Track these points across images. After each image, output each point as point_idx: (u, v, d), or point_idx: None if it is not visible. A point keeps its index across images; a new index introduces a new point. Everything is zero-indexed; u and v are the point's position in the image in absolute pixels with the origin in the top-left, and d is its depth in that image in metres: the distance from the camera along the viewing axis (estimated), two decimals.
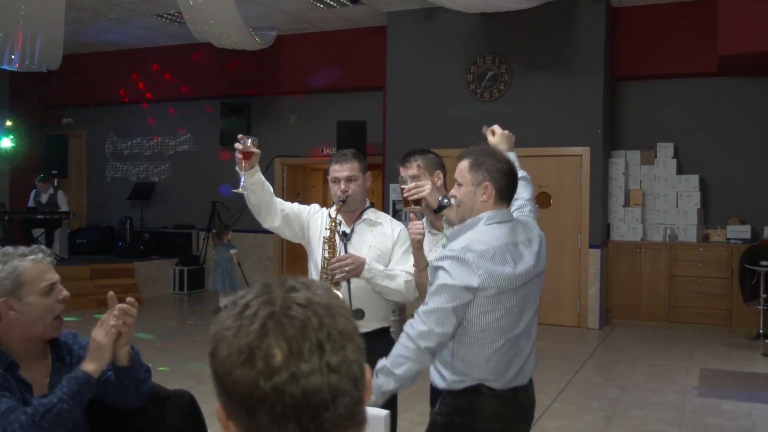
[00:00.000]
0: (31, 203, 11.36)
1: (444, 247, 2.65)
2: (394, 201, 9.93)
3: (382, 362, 2.34)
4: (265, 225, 3.27)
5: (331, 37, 10.88)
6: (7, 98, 13.46)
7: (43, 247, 2.32)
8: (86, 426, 2.31)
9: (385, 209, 9.98)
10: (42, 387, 2.26)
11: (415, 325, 2.33)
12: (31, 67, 8.91)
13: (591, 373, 7.05)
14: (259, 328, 0.90)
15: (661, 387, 6.45)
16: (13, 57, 8.50)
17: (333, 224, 3.18)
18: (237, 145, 3.02)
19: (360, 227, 3.28)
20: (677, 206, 9.31)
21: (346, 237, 3.25)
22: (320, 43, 10.96)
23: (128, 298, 2.25)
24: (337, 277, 3.07)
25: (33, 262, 2.23)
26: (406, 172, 3.29)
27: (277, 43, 10.81)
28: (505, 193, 2.51)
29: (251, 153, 3.02)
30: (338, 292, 3.04)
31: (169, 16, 10.24)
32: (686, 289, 9.06)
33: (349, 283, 3.15)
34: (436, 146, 9.60)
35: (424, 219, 3.46)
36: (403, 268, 3.18)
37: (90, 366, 2.15)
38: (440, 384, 2.51)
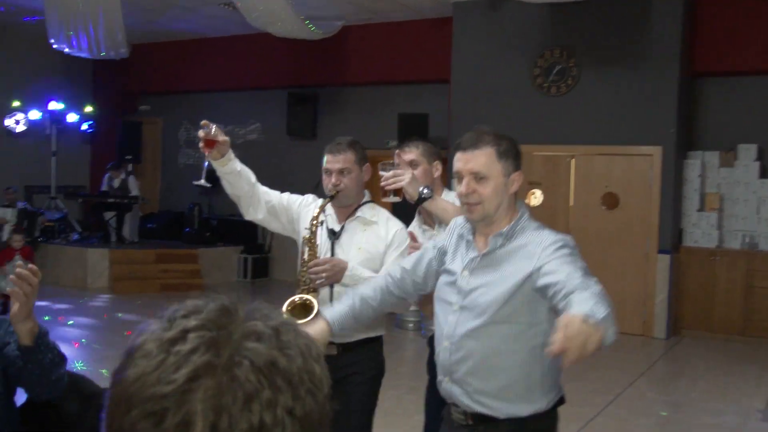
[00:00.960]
0: (104, 187, 11.68)
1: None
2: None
3: (599, 310, 1.83)
4: (247, 217, 3.05)
5: (397, 28, 10.69)
6: (91, 86, 13.92)
7: None
8: (13, 413, 2.22)
9: None
10: None
11: (590, 282, 1.98)
12: (100, 55, 9.11)
13: (646, 387, 6.63)
14: (186, 380, 0.66)
15: (722, 407, 5.99)
16: (82, 45, 8.71)
17: (314, 223, 2.89)
18: (200, 132, 2.79)
19: (351, 225, 2.98)
20: (758, 212, 8.68)
21: (334, 235, 2.96)
22: (386, 33, 10.78)
23: (31, 265, 2.08)
24: (316, 283, 2.82)
25: None
26: (403, 157, 3.07)
27: (343, 33, 10.70)
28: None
29: (215, 141, 2.78)
30: (315, 300, 2.78)
31: (235, 5, 10.27)
32: (765, 301, 8.44)
33: (331, 287, 2.88)
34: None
35: (416, 217, 3.23)
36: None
37: None
38: (524, 411, 2.22)
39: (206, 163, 2.89)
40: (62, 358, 2.21)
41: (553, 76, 9.01)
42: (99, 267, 10.41)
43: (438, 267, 2.43)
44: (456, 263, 2.34)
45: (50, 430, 2.24)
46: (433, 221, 3.07)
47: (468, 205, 2.23)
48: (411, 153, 3.08)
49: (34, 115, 12.34)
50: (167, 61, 12.89)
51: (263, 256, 12.00)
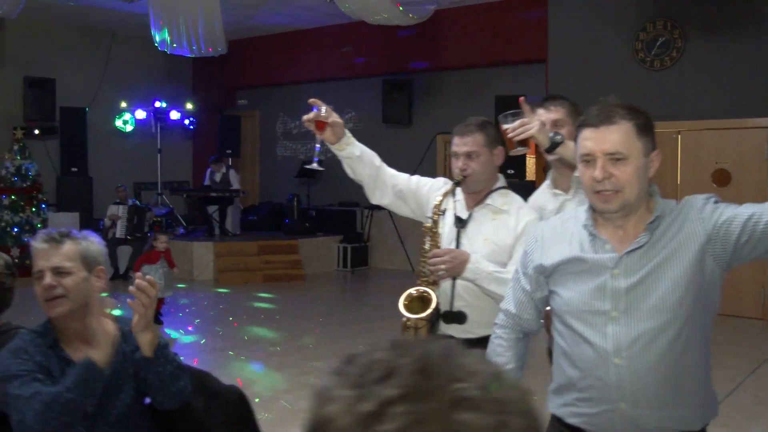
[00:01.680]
0: (206, 182, 12.01)
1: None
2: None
3: None
4: (373, 201, 2.87)
5: (490, 8, 10.47)
6: (191, 82, 14.34)
7: (70, 229, 2.25)
8: (151, 423, 2.25)
9: None
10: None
11: None
12: (200, 53, 9.33)
13: None
14: None
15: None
16: (182, 43, 8.94)
17: (436, 211, 2.70)
18: (309, 115, 2.65)
19: (480, 213, 2.74)
20: None
21: (461, 223, 2.73)
22: (479, 15, 10.58)
23: (147, 276, 2.12)
24: (435, 276, 2.62)
25: (38, 243, 2.18)
26: (548, 116, 2.74)
27: (435, 17, 10.55)
28: None
29: (325, 123, 2.64)
30: (433, 294, 2.63)
31: None
32: None
33: (453, 280, 2.68)
34: None
35: (547, 180, 2.92)
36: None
37: (95, 352, 2.07)
38: (693, 427, 1.94)
39: (318, 146, 2.73)
40: (183, 371, 2.22)
41: (656, 49, 8.60)
42: (204, 259, 10.72)
43: (542, 287, 2.11)
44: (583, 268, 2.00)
45: (180, 428, 2.27)
46: (568, 184, 2.76)
47: (601, 194, 1.89)
48: (557, 112, 2.75)
49: (140, 114, 12.82)
50: (263, 54, 13.11)
51: (362, 245, 12.07)
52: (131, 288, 2.07)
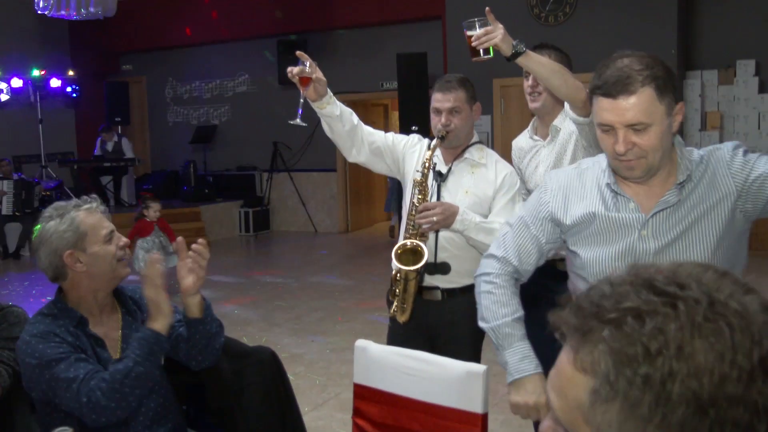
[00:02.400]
0: (97, 152, 11.50)
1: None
2: None
3: None
4: (350, 159, 2.88)
5: None
6: (68, 48, 13.55)
7: (93, 195, 2.25)
8: (168, 385, 2.25)
9: None
10: (114, 341, 2.22)
11: None
12: (88, 14, 8.85)
13: None
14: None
15: None
16: (69, 5, 8.44)
17: (427, 165, 2.75)
18: (294, 69, 2.59)
19: (459, 167, 2.84)
20: (759, 128, 8.81)
21: (441, 177, 2.81)
22: None
23: (199, 239, 2.15)
24: (424, 227, 2.69)
25: (88, 212, 2.16)
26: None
27: None
28: None
29: (309, 79, 2.60)
30: (425, 246, 2.69)
31: None
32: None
33: (437, 232, 2.78)
34: (500, 76, 9.32)
35: (530, 126, 2.99)
36: (504, 220, 2.75)
37: (157, 324, 2.07)
38: None
39: (302, 101, 2.70)
40: (221, 327, 2.26)
41: (550, 5, 8.95)
42: None
43: (556, 240, 2.05)
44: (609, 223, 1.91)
45: (212, 390, 2.28)
46: (546, 132, 2.86)
47: (624, 162, 1.79)
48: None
49: (16, 83, 12.02)
50: (147, 17, 12.55)
51: (263, 208, 11.98)
52: (190, 252, 2.07)
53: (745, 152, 1.86)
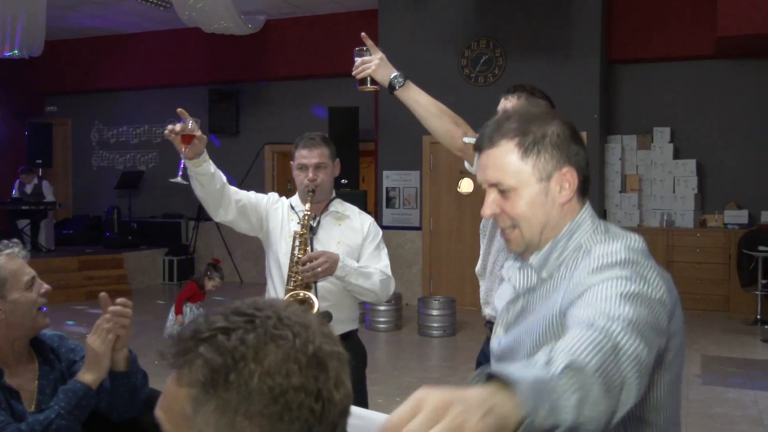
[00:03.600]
0: (15, 194, 11.10)
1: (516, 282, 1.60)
2: (387, 189, 9.76)
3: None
4: (217, 219, 2.89)
5: (322, 21, 10.67)
6: None
7: (15, 240, 2.16)
8: None
9: (378, 197, 9.83)
10: (30, 393, 2.11)
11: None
12: (12, 53, 8.65)
13: None
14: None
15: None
16: None
17: (306, 218, 2.85)
18: (176, 126, 2.54)
19: (327, 220, 2.98)
20: (674, 191, 9.21)
21: (311, 231, 2.92)
22: (310, 27, 10.74)
23: (119, 299, 2.07)
24: (307, 275, 2.75)
25: (9, 257, 2.07)
26: (504, 104, 2.72)
27: (266, 27, 10.59)
28: (587, 176, 1.54)
29: (192, 136, 2.56)
30: (314, 297, 2.77)
31: (155, 1, 9.98)
32: (684, 274, 8.93)
33: (316, 282, 2.84)
34: (430, 133, 9.48)
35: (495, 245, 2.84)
36: (376, 265, 2.93)
37: (88, 376, 1.99)
38: None
39: (183, 160, 2.64)
40: (146, 378, 2.19)
41: (480, 65, 9.23)
42: None
43: None
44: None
45: None
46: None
47: (502, 233, 1.56)
48: (511, 102, 2.64)
49: None
50: (77, 59, 12.36)
51: (188, 257, 11.75)
52: (107, 316, 1.99)
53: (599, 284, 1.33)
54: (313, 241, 2.90)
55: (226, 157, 11.04)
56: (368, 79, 2.50)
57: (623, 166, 9.41)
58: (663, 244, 9.05)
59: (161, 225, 12.12)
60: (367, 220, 3.04)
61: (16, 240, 2.15)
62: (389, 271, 2.97)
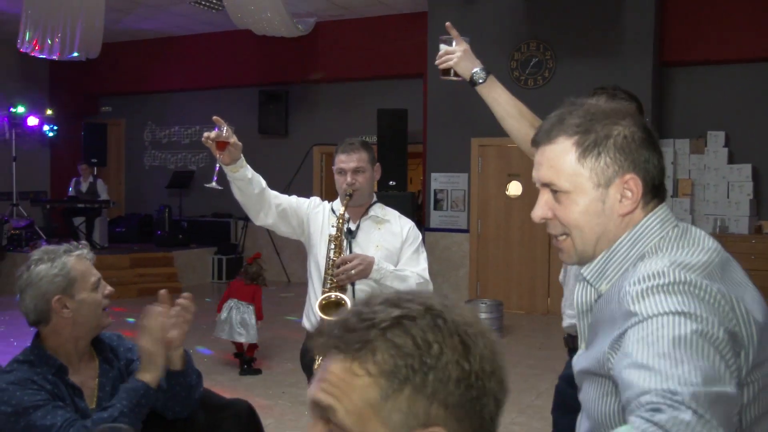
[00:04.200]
0: (71, 192, 11.41)
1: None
2: (435, 191, 9.75)
3: None
4: (257, 222, 2.97)
5: (371, 23, 10.72)
6: (47, 88, 13.55)
7: (83, 242, 2.27)
8: None
9: (427, 199, 9.83)
10: (91, 390, 2.19)
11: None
12: (72, 56, 8.89)
13: None
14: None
15: None
16: (53, 45, 8.47)
17: (341, 221, 2.90)
18: (210, 133, 2.65)
19: (366, 224, 3.02)
20: (728, 197, 9.00)
21: (351, 234, 2.98)
22: (360, 29, 10.80)
23: (184, 293, 2.16)
24: (341, 278, 2.81)
25: (78, 258, 2.17)
26: None
27: (315, 29, 10.67)
28: (659, 184, 1.38)
29: (226, 143, 2.65)
30: (347, 299, 2.80)
31: (207, 3, 10.15)
32: None
33: (353, 285, 2.89)
34: (479, 135, 9.49)
35: None
36: (413, 269, 2.94)
37: (147, 376, 2.06)
38: None
39: (218, 165, 2.75)
40: (200, 377, 2.25)
41: (530, 68, 9.17)
42: None
43: None
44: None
45: None
46: None
47: (554, 241, 1.44)
48: None
49: None
50: (130, 61, 12.64)
51: (237, 256, 11.90)
52: (179, 302, 2.06)
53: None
54: (352, 244, 2.96)
55: (275, 158, 11.18)
56: (451, 70, 2.44)
57: (675, 170, 9.23)
58: None
59: (211, 224, 12.31)
60: (407, 224, 3.06)
61: (84, 242, 2.24)
62: (427, 275, 2.99)
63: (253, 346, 6.37)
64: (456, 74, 2.44)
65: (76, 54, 8.83)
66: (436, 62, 2.46)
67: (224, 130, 2.65)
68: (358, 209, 3.01)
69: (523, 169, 9.21)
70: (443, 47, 2.46)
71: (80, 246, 2.19)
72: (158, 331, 2.06)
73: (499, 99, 2.38)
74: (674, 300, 1.16)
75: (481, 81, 2.35)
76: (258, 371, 6.35)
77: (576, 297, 1.46)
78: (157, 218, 12.06)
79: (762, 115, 9.03)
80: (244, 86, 11.89)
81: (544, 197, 1.39)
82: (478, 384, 0.86)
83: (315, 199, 3.12)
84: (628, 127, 1.36)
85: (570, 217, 1.35)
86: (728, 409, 1.05)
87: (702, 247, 1.29)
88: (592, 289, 1.42)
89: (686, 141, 9.22)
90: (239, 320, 6.12)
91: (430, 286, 3.01)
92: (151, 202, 12.74)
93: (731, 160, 9.06)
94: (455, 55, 2.39)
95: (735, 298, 1.21)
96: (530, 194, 9.18)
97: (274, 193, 2.97)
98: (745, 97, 9.09)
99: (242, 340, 6.18)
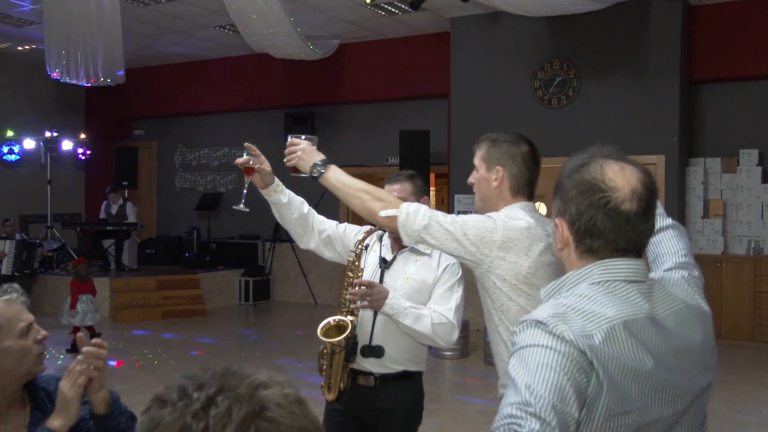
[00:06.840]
0: (102, 215, 11.57)
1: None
2: (459, 212, 9.61)
3: None
4: (301, 246, 2.96)
5: (394, 44, 10.68)
6: (83, 111, 13.83)
7: (15, 285, 2.13)
8: None
9: None
10: None
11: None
12: (99, 82, 9.03)
13: None
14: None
15: (743, 417, 5.94)
16: (78, 72, 8.63)
17: (360, 247, 2.88)
18: (238, 160, 2.70)
19: (404, 255, 2.96)
20: (762, 217, 8.69)
21: (385, 264, 2.94)
22: (383, 51, 10.77)
23: (95, 339, 2.03)
24: (352, 306, 2.77)
25: (6, 303, 2.04)
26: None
27: (339, 51, 10.68)
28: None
29: (252, 169, 2.68)
30: (350, 322, 2.77)
31: (231, 28, 10.24)
32: None
33: (375, 314, 2.85)
34: None
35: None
36: (439, 308, 2.82)
37: (56, 422, 1.95)
38: None
39: (245, 189, 2.76)
40: (134, 419, 2.14)
41: (553, 88, 9.01)
42: (100, 296, 10.24)
43: None
44: None
45: None
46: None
47: None
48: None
49: (29, 144, 12.25)
50: (161, 84, 12.83)
51: (264, 278, 11.91)
52: (80, 357, 1.97)
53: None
54: (384, 274, 2.92)
55: (301, 179, 11.15)
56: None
57: (706, 190, 8.95)
58: (750, 273, 8.54)
59: (238, 246, 12.35)
60: (448, 260, 2.93)
61: (15, 285, 2.15)
62: (452, 316, 2.82)
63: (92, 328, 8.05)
64: (295, 170, 2.55)
65: (103, 80, 8.96)
66: (285, 160, 2.56)
67: (250, 160, 2.68)
68: (399, 240, 2.85)
69: (546, 191, 9.01)
70: (289, 140, 2.59)
71: (9, 290, 2.11)
72: (82, 377, 1.97)
73: (339, 184, 2.45)
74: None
75: (318, 173, 2.46)
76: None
77: None
78: (186, 240, 12.15)
79: None
80: (271, 108, 11.95)
81: None
82: None
83: (366, 227, 3.04)
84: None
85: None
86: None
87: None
88: None
89: (717, 160, 8.94)
90: (92, 309, 8.06)
91: (454, 329, 2.83)
92: (181, 224, 12.84)
93: (765, 179, 8.74)
94: (295, 155, 2.51)
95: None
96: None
97: (321, 218, 2.97)
98: None
99: (92, 323, 7.98)
